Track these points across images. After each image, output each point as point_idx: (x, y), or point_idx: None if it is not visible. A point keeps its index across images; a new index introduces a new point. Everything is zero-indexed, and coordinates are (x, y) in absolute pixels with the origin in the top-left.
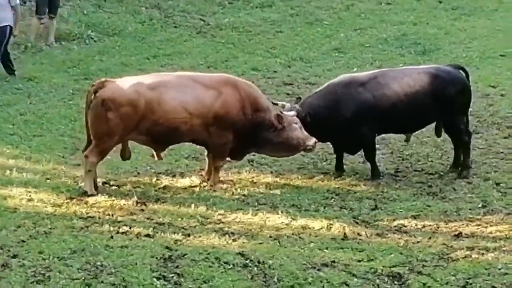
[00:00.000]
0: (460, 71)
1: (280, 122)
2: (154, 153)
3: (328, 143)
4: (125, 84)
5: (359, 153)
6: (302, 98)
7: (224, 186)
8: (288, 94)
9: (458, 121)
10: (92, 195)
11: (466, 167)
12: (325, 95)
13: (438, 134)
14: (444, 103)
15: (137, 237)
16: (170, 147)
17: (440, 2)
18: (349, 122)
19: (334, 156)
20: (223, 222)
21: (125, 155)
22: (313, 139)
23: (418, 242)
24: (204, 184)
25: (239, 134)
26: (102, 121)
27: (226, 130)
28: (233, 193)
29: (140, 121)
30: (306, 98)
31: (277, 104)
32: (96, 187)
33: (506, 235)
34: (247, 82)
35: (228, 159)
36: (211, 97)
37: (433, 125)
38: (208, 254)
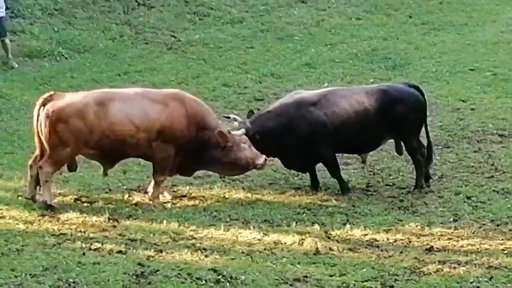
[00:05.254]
0: (413, 89)
1: (223, 139)
2: (102, 168)
3: None
4: (74, 96)
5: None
6: (255, 113)
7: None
8: (259, 109)
9: (410, 139)
10: (52, 205)
11: (419, 186)
12: (277, 116)
13: (398, 152)
14: (394, 121)
15: (109, 254)
16: (142, 164)
17: (410, 17)
18: (305, 142)
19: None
20: (195, 238)
21: (72, 166)
22: (263, 157)
23: (390, 256)
24: (176, 200)
25: (182, 150)
26: (52, 133)
27: (168, 144)
28: (205, 209)
29: (89, 133)
30: (258, 116)
31: (228, 118)
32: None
33: (477, 248)
34: (197, 100)
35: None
36: (157, 111)
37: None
38: (180, 270)
